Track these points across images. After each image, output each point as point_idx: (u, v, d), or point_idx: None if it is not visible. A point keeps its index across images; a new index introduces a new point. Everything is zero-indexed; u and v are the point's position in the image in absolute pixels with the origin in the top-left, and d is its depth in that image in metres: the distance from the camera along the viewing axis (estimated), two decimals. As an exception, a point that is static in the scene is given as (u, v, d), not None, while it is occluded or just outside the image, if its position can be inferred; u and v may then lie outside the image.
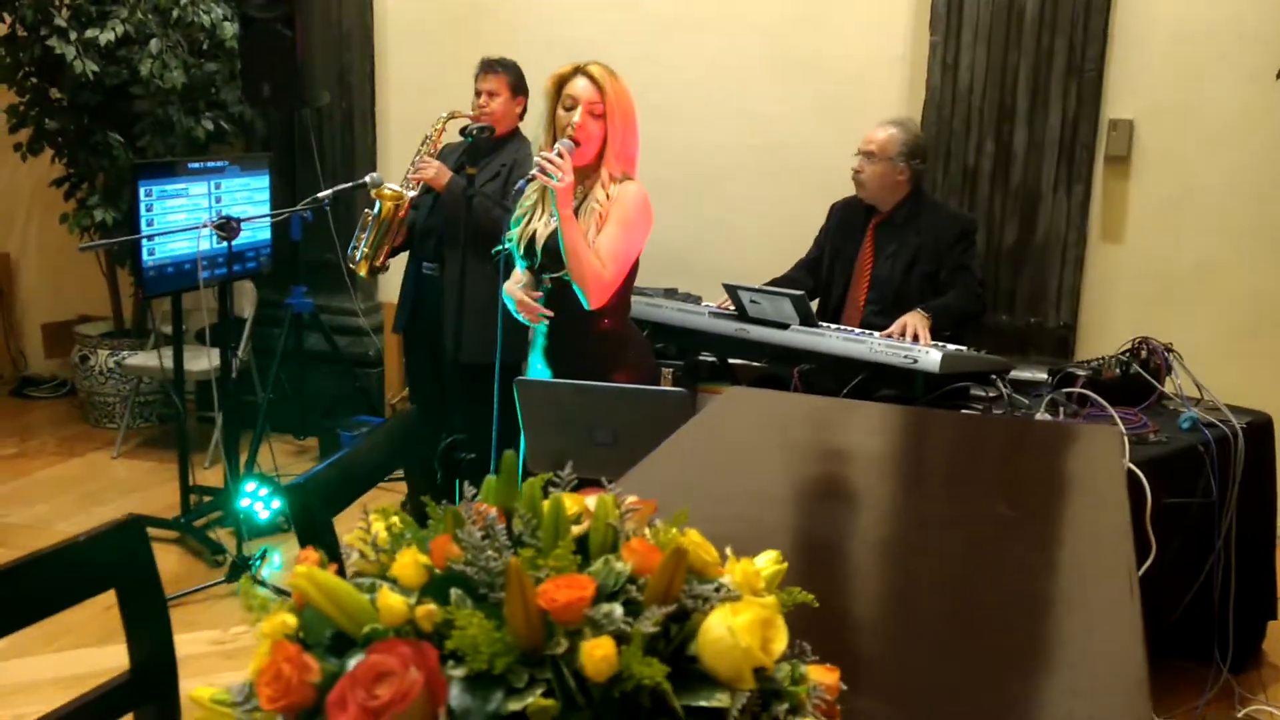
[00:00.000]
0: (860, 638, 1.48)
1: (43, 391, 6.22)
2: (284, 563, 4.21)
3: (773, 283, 4.07)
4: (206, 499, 4.47)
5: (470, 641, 0.94)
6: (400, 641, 0.95)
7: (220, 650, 3.58)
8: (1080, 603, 1.55)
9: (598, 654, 0.94)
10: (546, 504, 1.10)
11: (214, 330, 4.34)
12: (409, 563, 1.02)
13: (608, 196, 3.01)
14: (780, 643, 1.02)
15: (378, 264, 4.31)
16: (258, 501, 4.29)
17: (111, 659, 3.46)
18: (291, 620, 1.04)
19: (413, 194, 4.27)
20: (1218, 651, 3.39)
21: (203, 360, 4.99)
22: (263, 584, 3.91)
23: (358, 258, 4.32)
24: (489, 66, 4.27)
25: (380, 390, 5.44)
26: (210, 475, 4.98)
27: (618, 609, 1.02)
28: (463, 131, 3.92)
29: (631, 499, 1.19)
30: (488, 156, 4.17)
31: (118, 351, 5.53)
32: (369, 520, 1.10)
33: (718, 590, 1.04)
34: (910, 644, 1.46)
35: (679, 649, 1.03)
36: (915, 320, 3.69)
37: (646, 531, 1.17)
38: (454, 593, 1.02)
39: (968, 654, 1.43)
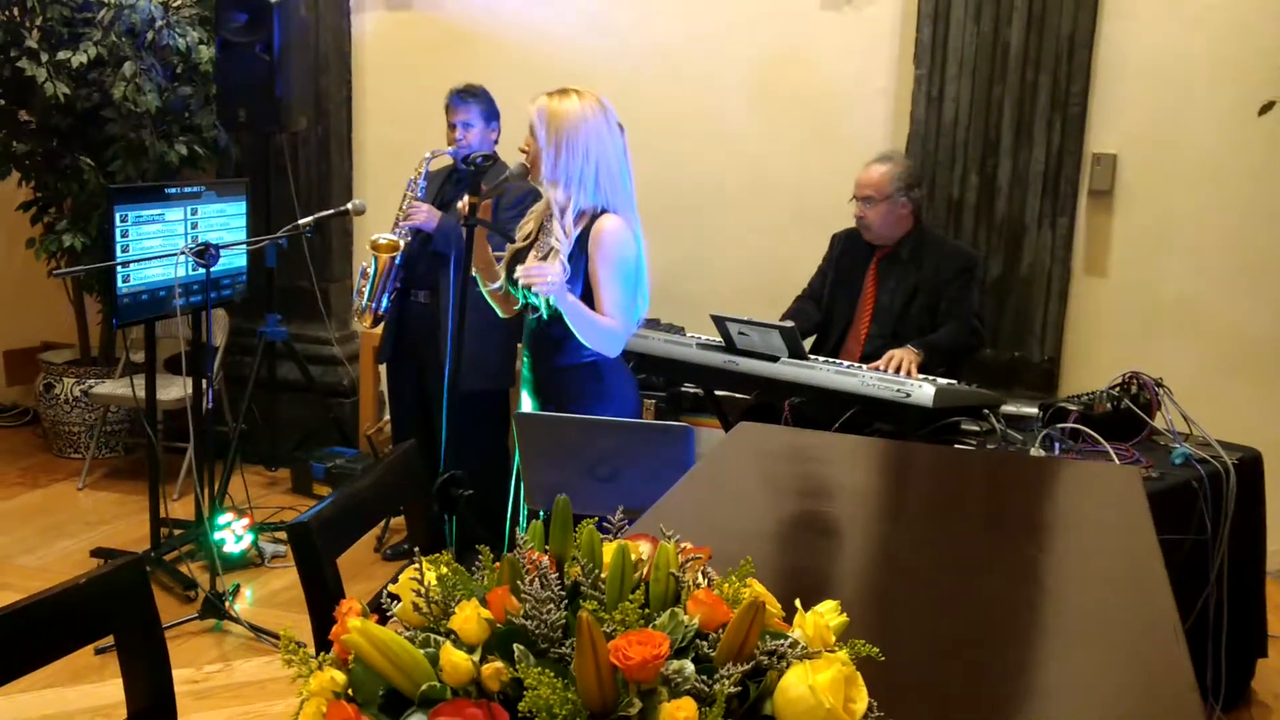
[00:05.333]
0: (903, 684, 1.43)
1: (4, 420, 6.06)
2: (256, 598, 4.11)
3: (784, 315, 4.04)
4: (177, 532, 4.36)
5: (543, 703, 0.88)
6: (468, 703, 0.89)
7: (193, 690, 3.47)
8: (1128, 643, 1.51)
9: (680, 716, 0.89)
10: (609, 551, 1.04)
11: (186, 358, 4.24)
12: (470, 616, 0.96)
13: (565, 233, 2.94)
14: (862, 702, 0.97)
15: (380, 313, 4.26)
16: (232, 535, 4.19)
17: (86, 699, 3.35)
18: (340, 677, 0.97)
19: (406, 240, 4.21)
20: (1210, 689, 3.37)
21: (174, 389, 4.89)
22: (237, 620, 3.81)
23: (362, 311, 4.26)
24: (460, 97, 4.23)
25: (354, 421, 5.34)
26: (178, 507, 4.86)
27: (689, 666, 0.97)
28: (463, 162, 3.87)
29: (687, 546, 1.14)
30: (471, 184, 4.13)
31: (84, 380, 5.40)
32: (420, 568, 1.04)
33: (793, 646, 0.99)
34: (953, 684, 1.41)
35: (753, 708, 0.98)
36: (905, 355, 3.66)
37: (702, 580, 1.11)
38: (516, 649, 0.96)
39: (1012, 694, 1.38)
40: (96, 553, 4.31)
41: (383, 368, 4.82)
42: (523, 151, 3.03)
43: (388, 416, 5.11)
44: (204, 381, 4.19)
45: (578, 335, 2.95)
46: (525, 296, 3.03)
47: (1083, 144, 4.47)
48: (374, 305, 4.24)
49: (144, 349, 4.29)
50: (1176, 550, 3.24)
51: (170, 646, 3.82)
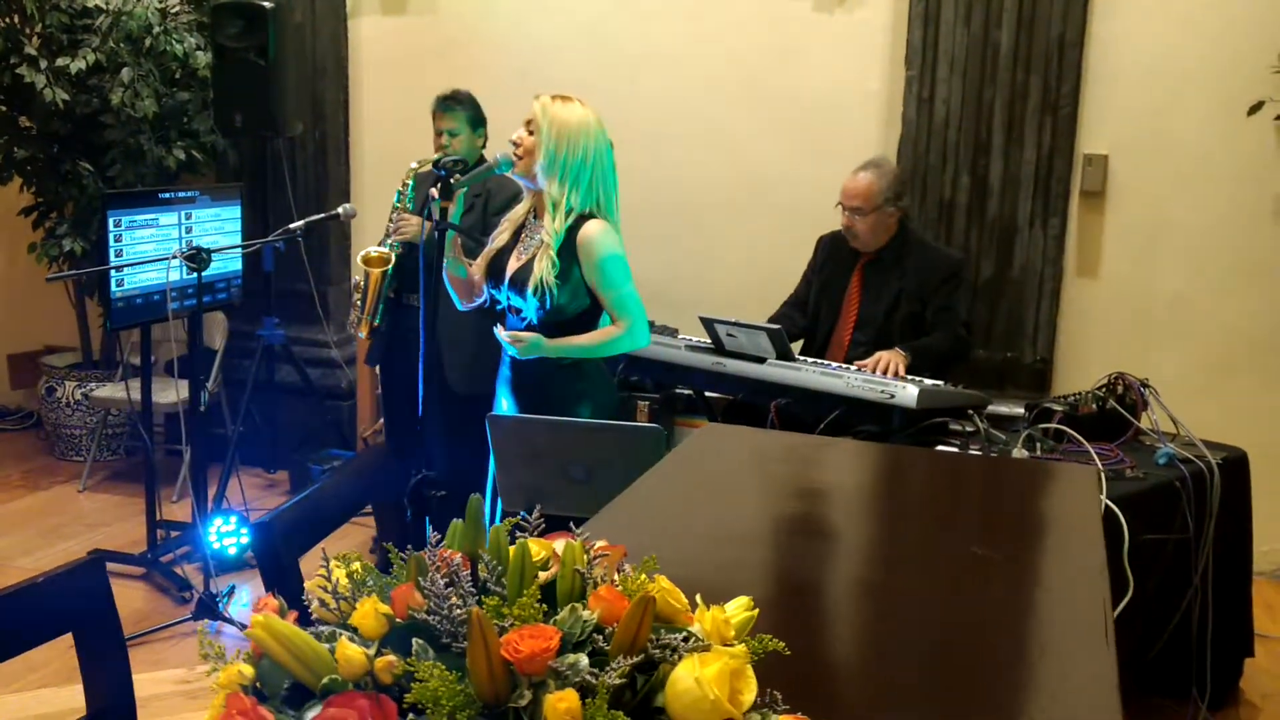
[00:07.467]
0: (833, 680, 1.45)
1: (6, 423, 6.12)
2: (251, 600, 4.14)
3: (770, 319, 4.05)
4: (174, 534, 4.40)
5: (431, 694, 0.91)
6: (359, 695, 0.91)
7: (184, 690, 3.50)
8: (1055, 646, 1.52)
9: (561, 707, 0.91)
10: (512, 550, 1.07)
11: (183, 362, 4.28)
12: (369, 612, 0.98)
13: (555, 229, 2.98)
14: (749, 693, 0.99)
15: (376, 323, 4.28)
16: (226, 537, 4.23)
17: (77, 698, 3.39)
18: (248, 670, 1.00)
19: (398, 253, 4.22)
20: (1196, 689, 3.37)
21: (171, 392, 4.93)
22: (230, 621, 3.84)
23: (357, 323, 4.28)
24: (445, 105, 4.19)
25: (352, 423, 5.38)
26: (178, 509, 4.90)
27: (583, 660, 0.99)
28: (435, 165, 3.88)
29: (600, 544, 1.16)
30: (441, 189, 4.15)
31: (85, 383, 5.46)
32: (329, 566, 1.06)
33: (686, 640, 1.01)
34: (883, 686, 1.43)
35: (645, 701, 1.00)
36: (892, 357, 3.67)
37: (616, 577, 1.13)
38: (415, 643, 0.98)
39: (941, 697, 1.40)
40: (94, 554, 4.35)
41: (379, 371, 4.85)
42: (514, 144, 3.06)
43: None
44: (198, 384, 4.23)
45: (594, 357, 3.06)
46: (509, 298, 3.07)
47: (1074, 145, 4.47)
48: (370, 318, 4.26)
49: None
50: (1160, 550, 3.25)
51: (163, 647, 3.88)
